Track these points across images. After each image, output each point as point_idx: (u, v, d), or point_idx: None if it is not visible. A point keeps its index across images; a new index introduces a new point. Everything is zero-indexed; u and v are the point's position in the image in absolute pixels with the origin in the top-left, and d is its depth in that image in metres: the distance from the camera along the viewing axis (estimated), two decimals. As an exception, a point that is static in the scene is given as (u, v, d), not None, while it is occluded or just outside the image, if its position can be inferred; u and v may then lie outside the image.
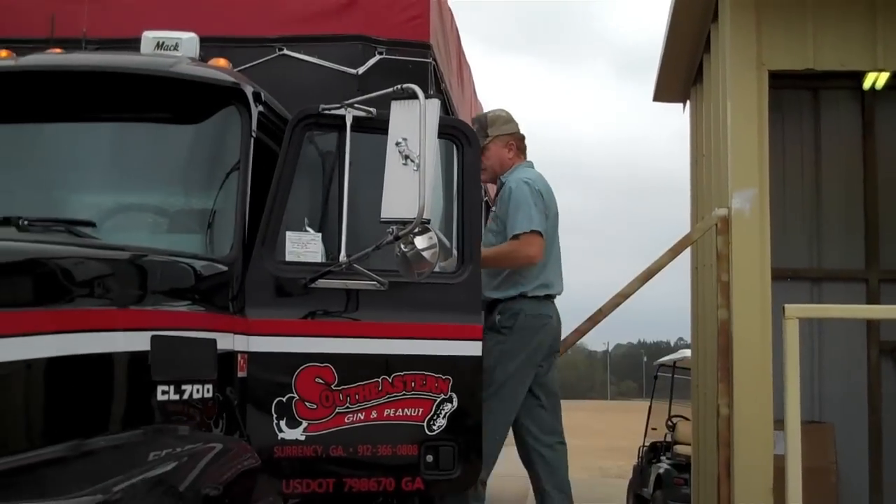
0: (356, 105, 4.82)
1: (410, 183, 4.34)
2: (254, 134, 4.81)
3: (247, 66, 5.64)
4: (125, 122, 5.01)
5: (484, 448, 5.13)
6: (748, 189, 6.67)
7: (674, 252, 6.91)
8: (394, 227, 4.40)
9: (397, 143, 4.41)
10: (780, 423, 5.65)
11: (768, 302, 6.60)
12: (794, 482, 5.40)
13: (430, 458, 4.87)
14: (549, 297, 6.17)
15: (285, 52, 5.89)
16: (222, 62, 5.19)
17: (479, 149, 5.32)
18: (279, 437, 4.65)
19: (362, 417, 4.76)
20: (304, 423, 4.69)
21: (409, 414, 4.85)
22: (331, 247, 4.76)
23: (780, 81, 7.48)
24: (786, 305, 5.58)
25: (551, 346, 6.13)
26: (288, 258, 4.75)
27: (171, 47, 5.22)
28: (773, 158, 6.90)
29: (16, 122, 4.95)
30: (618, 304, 6.79)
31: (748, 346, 6.55)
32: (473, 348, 4.98)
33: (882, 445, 8.96)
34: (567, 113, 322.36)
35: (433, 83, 6.00)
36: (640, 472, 14.50)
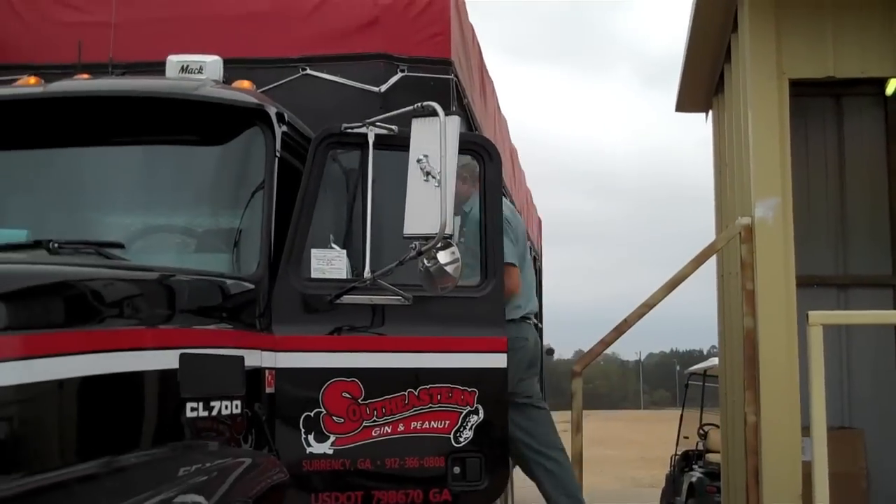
0: (378, 123, 4.89)
1: (432, 199, 4.39)
2: (278, 154, 4.88)
3: (270, 86, 5.75)
4: (152, 144, 5.11)
5: None
6: (771, 198, 6.68)
7: (698, 261, 6.92)
8: (417, 243, 4.45)
9: (419, 160, 4.46)
10: (808, 430, 5.66)
11: (793, 309, 6.59)
12: (822, 488, 5.41)
13: (457, 469, 4.92)
14: (525, 319, 6.13)
15: (308, 71, 5.98)
16: (246, 84, 5.27)
17: (500, 164, 5.36)
18: (307, 451, 4.71)
19: (389, 430, 4.82)
20: (332, 437, 4.75)
21: (435, 426, 4.90)
22: (355, 263, 4.83)
23: (803, 89, 7.49)
24: (809, 313, 5.60)
25: (530, 362, 6.02)
26: (313, 275, 4.81)
27: (196, 70, 5.31)
28: (796, 165, 6.91)
29: (45, 148, 5.06)
30: (643, 315, 6.79)
31: (774, 353, 6.55)
32: (498, 361, 5.03)
33: (913, 451, 8.91)
34: (593, 122, 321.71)
35: (455, 99, 6.06)
36: (673, 482, 14.48)
